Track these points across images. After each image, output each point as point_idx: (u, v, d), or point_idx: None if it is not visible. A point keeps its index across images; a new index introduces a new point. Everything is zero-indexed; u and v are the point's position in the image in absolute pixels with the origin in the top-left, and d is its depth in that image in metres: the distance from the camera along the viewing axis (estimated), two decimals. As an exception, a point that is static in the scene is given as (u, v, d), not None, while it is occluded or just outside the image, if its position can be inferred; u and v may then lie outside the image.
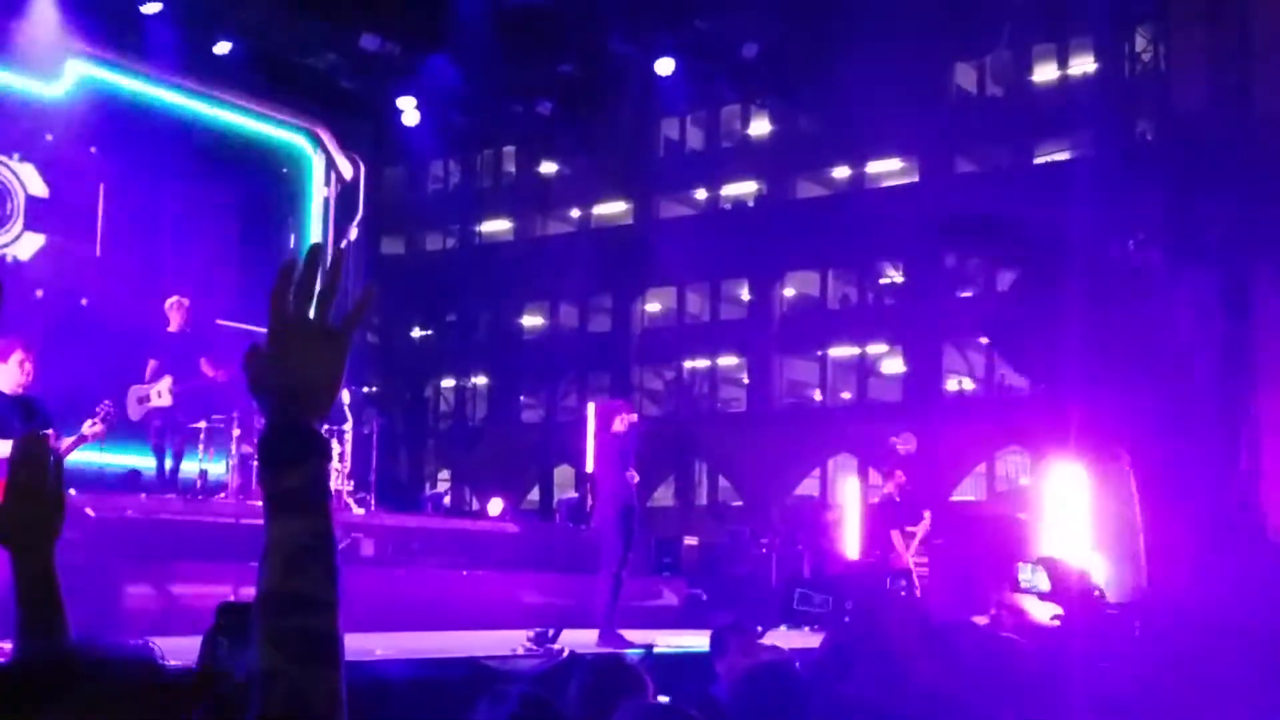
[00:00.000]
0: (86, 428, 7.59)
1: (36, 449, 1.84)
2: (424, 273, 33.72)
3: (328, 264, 1.50)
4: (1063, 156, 26.85)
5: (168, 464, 11.74)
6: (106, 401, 7.73)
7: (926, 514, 13.47)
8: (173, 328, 11.74)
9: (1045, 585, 11.57)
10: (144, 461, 12.05)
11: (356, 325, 1.52)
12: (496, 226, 35.80)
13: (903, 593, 12.66)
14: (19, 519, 1.80)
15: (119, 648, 1.13)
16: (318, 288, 1.48)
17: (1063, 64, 28.06)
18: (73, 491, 10.00)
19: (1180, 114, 19.79)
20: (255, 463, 11.94)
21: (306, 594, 1.38)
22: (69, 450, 7.59)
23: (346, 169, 16.57)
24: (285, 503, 1.41)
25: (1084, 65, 27.16)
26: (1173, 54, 20.77)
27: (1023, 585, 11.31)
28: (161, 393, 11.38)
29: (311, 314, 1.47)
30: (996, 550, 14.70)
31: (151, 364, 11.58)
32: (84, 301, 13.74)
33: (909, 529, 13.11)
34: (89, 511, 9.65)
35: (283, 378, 1.45)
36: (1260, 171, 18.57)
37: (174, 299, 11.86)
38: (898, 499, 13.38)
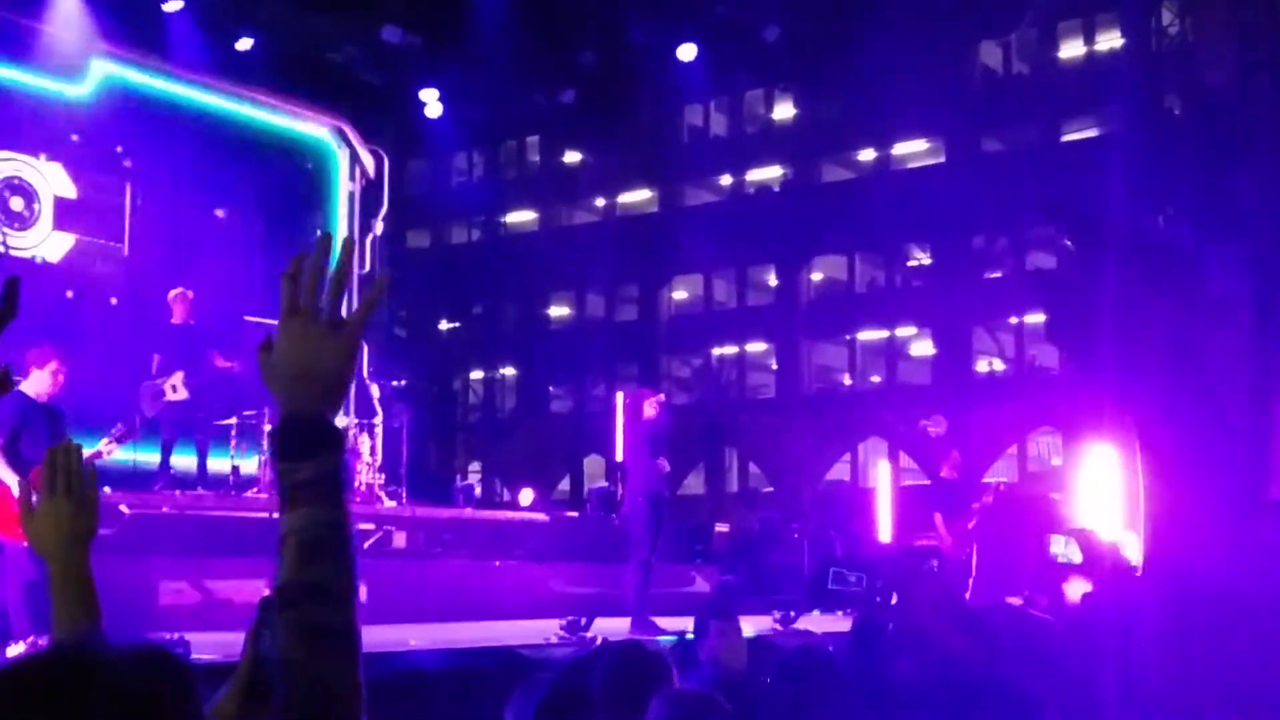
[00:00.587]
0: (102, 445, 7.63)
1: (70, 457, 1.91)
2: (450, 265, 33.79)
3: (339, 255, 1.49)
4: (1091, 134, 26.62)
5: (194, 460, 11.62)
6: (120, 425, 7.75)
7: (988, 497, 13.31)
8: (176, 320, 11.60)
9: (1078, 557, 11.52)
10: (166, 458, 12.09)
11: (368, 316, 1.51)
12: (521, 217, 35.82)
13: (936, 573, 12.62)
14: (53, 525, 1.87)
15: (140, 646, 1.13)
16: (328, 279, 1.47)
17: (1089, 40, 27.80)
18: (108, 489, 10.08)
19: (1209, 88, 19.59)
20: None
21: (323, 585, 1.39)
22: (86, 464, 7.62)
23: (370, 163, 16.60)
24: (300, 494, 1.41)
25: (1110, 41, 26.90)
26: (1200, 27, 20.55)
27: (1056, 557, 11.25)
28: (176, 387, 11.25)
29: (323, 305, 1.46)
30: (1030, 531, 14.63)
31: (156, 357, 11.42)
32: (114, 301, 13.82)
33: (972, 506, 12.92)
34: (123, 509, 9.72)
35: (294, 369, 1.45)
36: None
37: (177, 290, 11.73)
38: (953, 481, 13.24)
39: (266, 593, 1.49)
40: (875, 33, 22.78)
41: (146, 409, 11.17)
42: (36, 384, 7.50)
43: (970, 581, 12.26)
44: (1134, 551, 13.88)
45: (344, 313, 1.49)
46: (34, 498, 1.85)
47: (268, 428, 12.09)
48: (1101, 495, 14.33)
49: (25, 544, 7.48)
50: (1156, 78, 21.28)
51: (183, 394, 11.26)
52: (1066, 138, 27.48)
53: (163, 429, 11.39)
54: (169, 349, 11.42)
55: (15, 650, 6.91)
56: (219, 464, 12.26)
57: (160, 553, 9.63)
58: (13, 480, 7.22)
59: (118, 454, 8.04)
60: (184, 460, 11.97)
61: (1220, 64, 19.18)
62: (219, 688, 1.79)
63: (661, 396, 10.61)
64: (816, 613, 12.75)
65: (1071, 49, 28.28)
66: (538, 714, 2.69)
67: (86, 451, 6.59)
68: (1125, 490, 14.58)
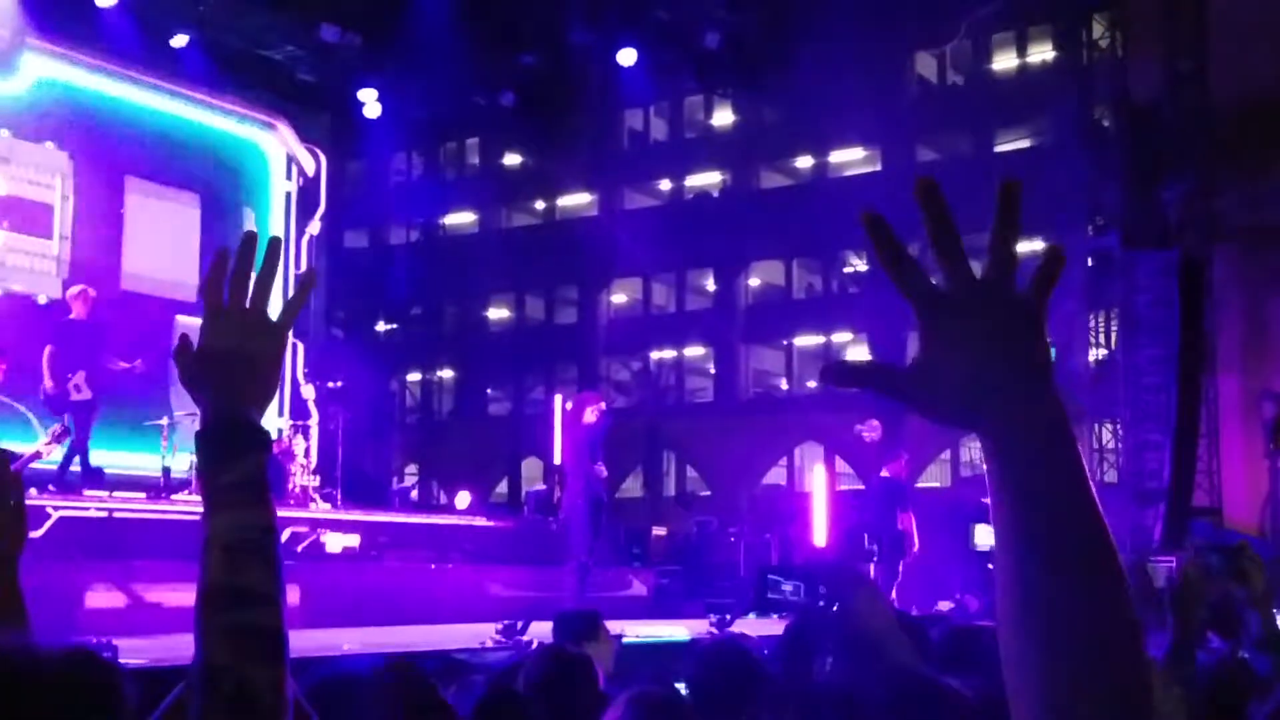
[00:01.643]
0: (41, 445, 7.53)
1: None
2: (388, 266, 33.55)
3: (263, 252, 1.47)
4: (1023, 144, 27.03)
5: (75, 457, 11.17)
6: (58, 425, 7.65)
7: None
8: (74, 315, 11.41)
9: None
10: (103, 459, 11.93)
11: (295, 314, 1.48)
12: (460, 219, 35.66)
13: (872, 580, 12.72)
14: None
15: (65, 648, 1.13)
16: (253, 277, 1.45)
17: (1022, 52, 28.23)
18: (34, 491, 9.91)
19: (1138, 101, 19.96)
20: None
21: (249, 588, 1.37)
22: (21, 466, 7.54)
23: (308, 162, 16.47)
24: (225, 497, 1.40)
25: (1043, 53, 27.34)
26: (1130, 41, 20.94)
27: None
28: (80, 386, 11.04)
29: (247, 304, 1.44)
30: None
31: (47, 349, 11.14)
32: (42, 299, 13.60)
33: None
34: (50, 510, 9.56)
35: (218, 370, 1.42)
36: (1217, 157, 18.76)
37: (79, 288, 11.56)
38: (903, 480, 13.37)
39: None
40: (814, 41, 22.96)
41: (55, 408, 10.93)
42: None
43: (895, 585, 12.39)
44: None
45: (269, 312, 1.46)
46: None
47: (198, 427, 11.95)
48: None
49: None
50: (1088, 90, 21.71)
51: (87, 394, 11.06)
52: (999, 148, 27.87)
53: (79, 429, 11.15)
54: (65, 345, 11.15)
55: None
56: (150, 462, 12.10)
57: (88, 556, 9.49)
58: None
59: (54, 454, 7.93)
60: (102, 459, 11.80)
61: (1150, 77, 19.57)
62: (146, 691, 1.78)
63: (603, 404, 10.66)
64: (753, 616, 12.84)
65: (1005, 60, 28.70)
66: (472, 717, 2.71)
67: (27, 450, 6.52)
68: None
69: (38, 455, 7.57)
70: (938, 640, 3.70)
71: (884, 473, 13.58)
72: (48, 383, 10.94)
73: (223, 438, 1.42)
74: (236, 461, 1.40)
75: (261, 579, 1.38)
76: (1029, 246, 28.96)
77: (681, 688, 3.52)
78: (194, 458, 10.05)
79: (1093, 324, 20.79)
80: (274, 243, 1.48)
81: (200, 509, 1.44)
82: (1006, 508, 1.05)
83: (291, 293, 1.53)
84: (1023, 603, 1.03)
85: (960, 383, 1.07)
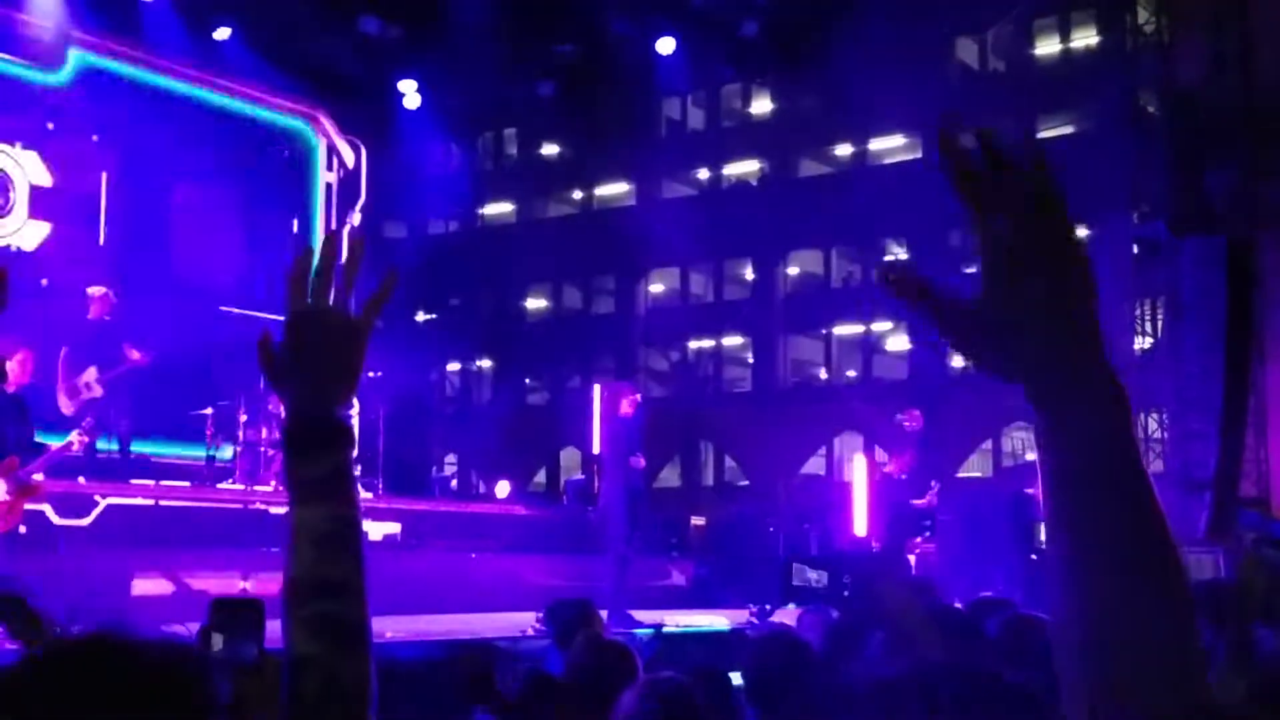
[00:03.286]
0: (73, 437, 7.63)
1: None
2: (427, 257, 33.67)
3: (345, 251, 1.48)
4: (1066, 130, 26.76)
5: (114, 446, 11.41)
6: (89, 419, 7.76)
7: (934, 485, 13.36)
8: (91, 315, 11.57)
9: None
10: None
11: (377, 313, 1.50)
12: (498, 209, 35.75)
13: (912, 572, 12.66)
14: None
15: (151, 635, 1.15)
16: (335, 276, 1.47)
17: (1065, 37, 27.94)
18: (82, 479, 10.03)
19: (1182, 85, 19.71)
20: (265, 449, 12.02)
21: (335, 581, 1.39)
22: (51, 459, 7.63)
23: (348, 154, 16.55)
24: (311, 490, 1.41)
25: (1086, 38, 27.05)
26: (1174, 25, 20.66)
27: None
28: (90, 384, 11.20)
29: (330, 302, 1.46)
30: (1004, 525, 14.71)
31: (63, 350, 11.30)
32: (89, 290, 13.74)
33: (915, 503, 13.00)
34: (98, 499, 9.68)
35: (303, 368, 1.44)
36: (1263, 142, 18.49)
37: (99, 289, 11.72)
38: (901, 477, 13.28)
39: (222, 595, 1.49)
40: (853, 28, 22.81)
41: (63, 408, 11.00)
42: (5, 372, 7.48)
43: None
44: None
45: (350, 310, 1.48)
46: (4, 486, 1.83)
47: (243, 418, 12.08)
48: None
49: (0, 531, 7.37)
50: (1131, 75, 21.44)
51: (98, 391, 11.18)
52: (1042, 134, 27.60)
53: (82, 428, 11.26)
54: (79, 344, 11.32)
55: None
56: (195, 451, 12.23)
57: (135, 544, 9.60)
58: None
59: (96, 444, 8.02)
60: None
61: (1194, 61, 19.32)
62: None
63: (638, 395, 10.67)
64: (791, 606, 12.82)
65: (1047, 46, 28.41)
66: (515, 704, 2.72)
67: (56, 445, 6.56)
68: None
69: (69, 448, 7.67)
70: (996, 631, 3.68)
71: (887, 468, 13.51)
72: (59, 382, 11.11)
73: (308, 433, 1.43)
74: (321, 456, 1.42)
75: (346, 571, 1.40)
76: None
77: (736, 677, 3.52)
78: (236, 447, 10.20)
79: (1138, 312, 20.56)
80: (356, 242, 1.49)
81: (278, 502, 1.45)
82: (1056, 489, 1.03)
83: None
84: (1075, 591, 1.01)
85: (1015, 331, 1.07)
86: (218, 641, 3.56)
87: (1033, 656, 3.35)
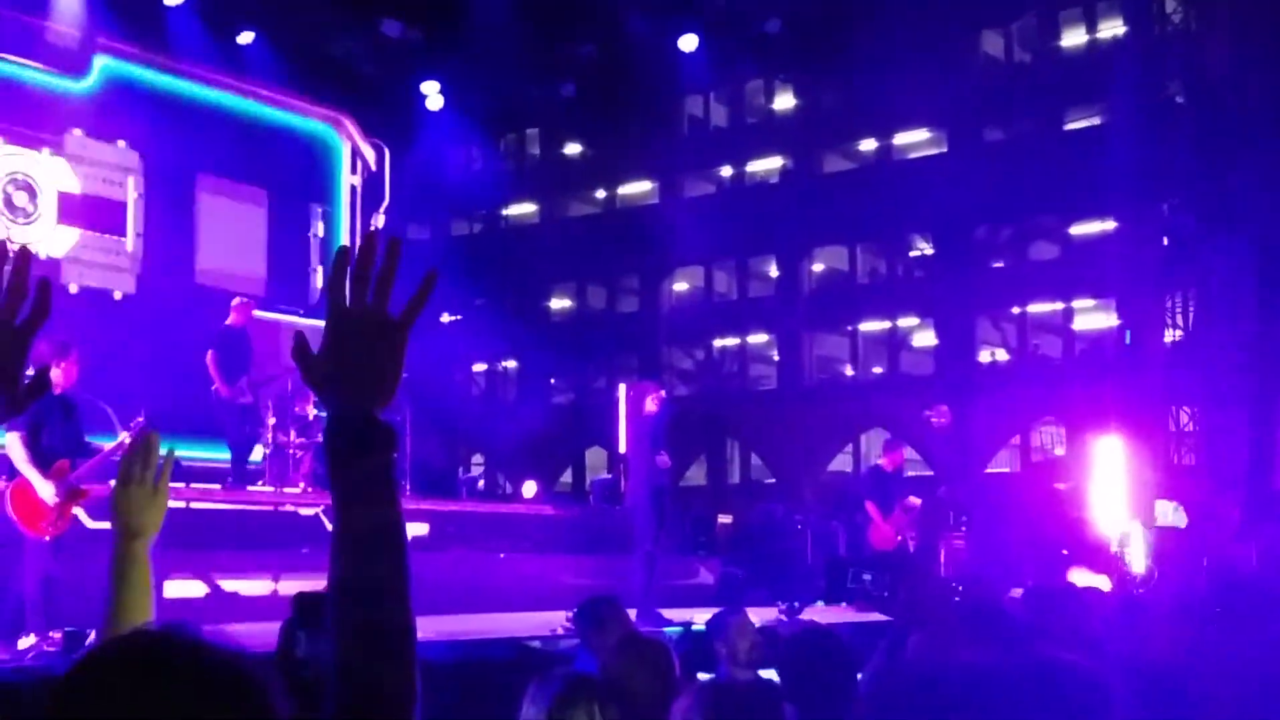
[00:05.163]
0: (125, 438, 7.65)
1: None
2: (450, 258, 33.75)
3: (383, 252, 1.47)
4: (1094, 122, 26.57)
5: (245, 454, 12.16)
6: (138, 419, 7.77)
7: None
8: (230, 322, 12.11)
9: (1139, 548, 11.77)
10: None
11: (418, 312, 1.48)
12: (521, 210, 35.79)
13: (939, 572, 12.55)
14: (133, 504, 1.99)
15: (210, 634, 1.13)
16: (373, 276, 1.45)
17: (1091, 28, 27.74)
18: (113, 483, 10.08)
19: (1211, 76, 19.56)
20: (294, 451, 12.07)
21: (379, 585, 1.38)
22: (104, 458, 7.66)
23: (371, 156, 16.59)
24: (354, 493, 1.40)
25: (1113, 28, 26.84)
26: (1202, 14, 20.48)
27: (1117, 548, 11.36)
28: (244, 390, 11.94)
29: (369, 303, 1.44)
30: (1033, 522, 14.63)
31: (210, 354, 11.81)
32: (117, 295, 13.83)
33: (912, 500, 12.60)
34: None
35: (344, 370, 1.43)
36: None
37: (241, 299, 12.36)
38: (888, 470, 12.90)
39: (306, 590, 1.48)
40: (876, 22, 22.73)
41: (226, 415, 11.82)
42: (52, 377, 7.51)
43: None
44: (1139, 542, 13.89)
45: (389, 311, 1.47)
46: (54, 490, 1.87)
47: (272, 420, 12.13)
48: (1106, 486, 14.33)
49: (47, 538, 7.44)
50: (1159, 65, 21.28)
51: (249, 397, 11.95)
52: (1069, 126, 27.43)
53: (230, 431, 11.92)
54: (224, 351, 11.88)
55: (26, 643, 6.91)
56: (225, 454, 12.29)
57: (167, 545, 9.62)
58: (34, 475, 7.22)
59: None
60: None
61: (1222, 51, 19.15)
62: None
63: (662, 393, 10.62)
64: (821, 604, 12.77)
65: (1073, 37, 28.21)
66: (554, 703, 2.71)
67: (108, 445, 6.58)
68: (1133, 481, 14.59)
69: (121, 446, 7.69)
70: (1026, 609, 3.66)
71: (880, 460, 13.21)
72: (220, 386, 11.74)
73: (351, 435, 1.41)
74: (365, 458, 1.40)
75: (391, 574, 1.39)
76: (1102, 227, 28.43)
77: (771, 674, 3.50)
78: (265, 450, 10.21)
79: (1168, 305, 20.39)
80: (394, 242, 1.48)
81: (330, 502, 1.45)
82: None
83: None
84: None
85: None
86: (301, 636, 3.56)
87: (1064, 631, 3.32)
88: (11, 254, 1.53)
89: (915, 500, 12.38)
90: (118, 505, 2.00)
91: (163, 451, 2.04)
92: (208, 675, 1.06)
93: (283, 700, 1.11)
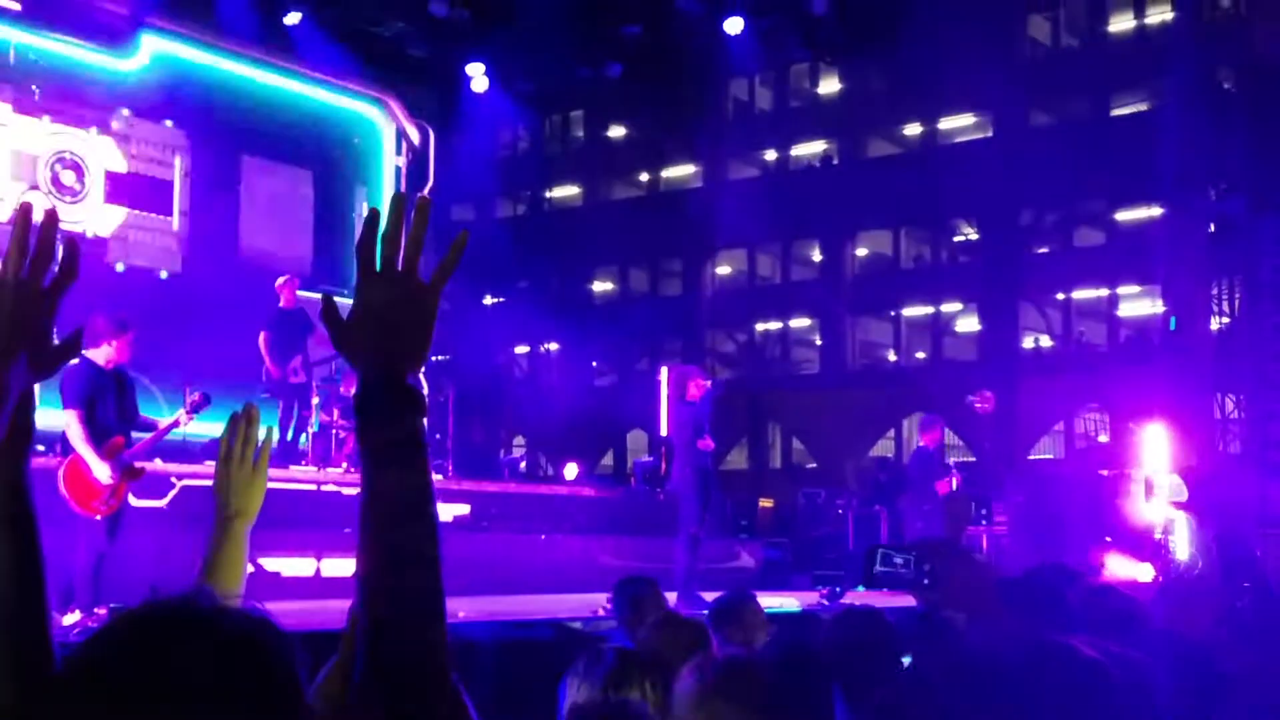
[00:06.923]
0: (180, 415, 7.71)
1: (253, 415, 2.06)
2: (494, 239, 33.82)
3: (413, 215, 1.45)
4: (1142, 107, 26.24)
5: (289, 435, 12.23)
6: (196, 393, 7.82)
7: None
8: (283, 304, 12.26)
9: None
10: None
11: (448, 275, 1.46)
12: (565, 192, 35.81)
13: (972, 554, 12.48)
14: (233, 485, 2.05)
15: (242, 611, 1.13)
16: (404, 239, 1.44)
17: (1139, 12, 27.37)
18: (159, 461, 10.20)
19: (1262, 60, 19.25)
20: (337, 431, 12.16)
21: (409, 548, 1.37)
22: (160, 436, 7.73)
23: (416, 137, 16.62)
24: (384, 457, 1.39)
25: (1162, 13, 26.47)
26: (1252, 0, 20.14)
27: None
28: (298, 370, 12.09)
29: (400, 266, 1.43)
30: (1076, 508, 14.52)
31: (263, 335, 11.99)
32: (164, 275, 13.96)
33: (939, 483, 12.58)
34: (174, 480, 9.83)
35: (374, 332, 1.42)
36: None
37: (285, 278, 12.44)
38: (931, 450, 12.98)
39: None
40: (922, 5, 22.50)
41: (275, 391, 11.96)
42: (105, 352, 7.57)
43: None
44: (1184, 530, 13.76)
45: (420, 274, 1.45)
46: (109, 470, 1.89)
47: (315, 400, 12.23)
48: (1152, 472, 14.18)
49: (100, 516, 7.51)
50: (1209, 50, 20.97)
51: (303, 377, 12.11)
52: (1116, 112, 27.11)
53: (282, 411, 12.09)
54: (278, 332, 12.07)
55: (72, 619, 7.00)
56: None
57: (209, 523, 9.72)
58: (91, 455, 7.27)
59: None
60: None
61: (1273, 35, 18.83)
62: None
63: (708, 382, 10.58)
64: (861, 589, 12.73)
65: (1121, 22, 27.85)
66: (608, 680, 2.71)
67: (165, 421, 6.61)
68: (1179, 469, 14.44)
69: (176, 424, 7.76)
70: (1078, 602, 3.63)
71: (921, 442, 13.29)
72: (271, 367, 11.93)
73: (380, 399, 1.41)
74: (394, 422, 1.40)
75: (421, 538, 1.38)
76: (1148, 213, 28.11)
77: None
78: (310, 430, 10.25)
79: (1216, 291, 20.14)
80: (423, 203, 1.46)
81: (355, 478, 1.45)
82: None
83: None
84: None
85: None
86: None
87: (1112, 626, 3.29)
88: (36, 220, 1.52)
89: (955, 479, 12.36)
90: (219, 485, 2.05)
91: (261, 432, 2.05)
92: (228, 641, 1.06)
93: (304, 670, 1.11)
